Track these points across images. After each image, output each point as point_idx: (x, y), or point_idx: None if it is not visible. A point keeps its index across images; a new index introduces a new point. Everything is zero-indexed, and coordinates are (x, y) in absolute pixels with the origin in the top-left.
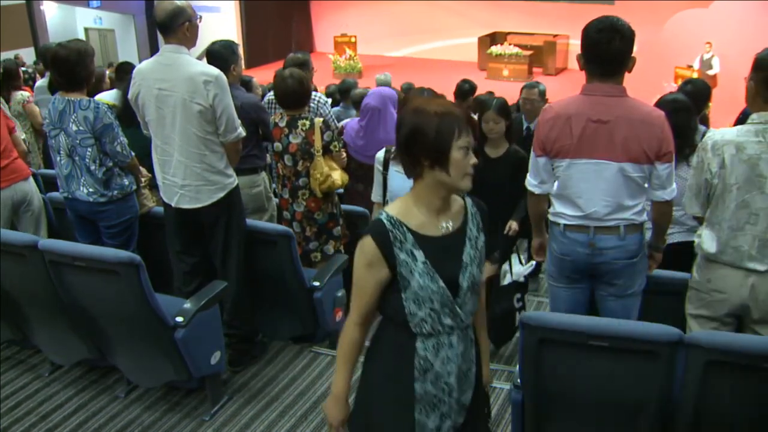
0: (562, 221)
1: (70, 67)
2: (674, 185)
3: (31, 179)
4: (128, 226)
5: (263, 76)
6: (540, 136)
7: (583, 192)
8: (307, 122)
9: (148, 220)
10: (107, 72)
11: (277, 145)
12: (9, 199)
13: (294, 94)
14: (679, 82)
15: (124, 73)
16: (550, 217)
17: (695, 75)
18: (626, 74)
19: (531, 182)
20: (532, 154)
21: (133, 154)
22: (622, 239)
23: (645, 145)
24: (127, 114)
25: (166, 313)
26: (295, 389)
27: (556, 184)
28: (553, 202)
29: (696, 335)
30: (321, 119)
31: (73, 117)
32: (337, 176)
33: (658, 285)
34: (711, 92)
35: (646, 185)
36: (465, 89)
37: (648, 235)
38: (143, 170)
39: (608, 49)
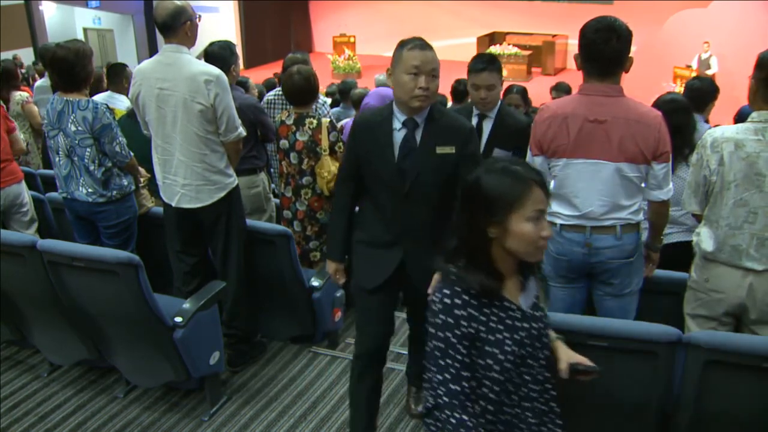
0: (559, 221)
1: (69, 68)
2: (671, 185)
3: (24, 182)
4: (127, 227)
5: (262, 76)
6: (536, 135)
7: (579, 192)
8: (314, 121)
9: (148, 220)
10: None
11: (284, 143)
12: (4, 200)
13: (301, 91)
14: (678, 81)
15: (115, 75)
16: (547, 217)
17: (694, 75)
18: (624, 74)
19: None
20: (528, 153)
21: (132, 154)
22: (618, 239)
23: (642, 145)
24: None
25: (165, 314)
26: (294, 389)
27: (552, 183)
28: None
29: (695, 335)
30: (328, 119)
31: (72, 117)
32: None
33: (657, 285)
34: (717, 91)
35: (642, 185)
36: (460, 90)
37: (645, 234)
38: (142, 170)
39: (605, 49)
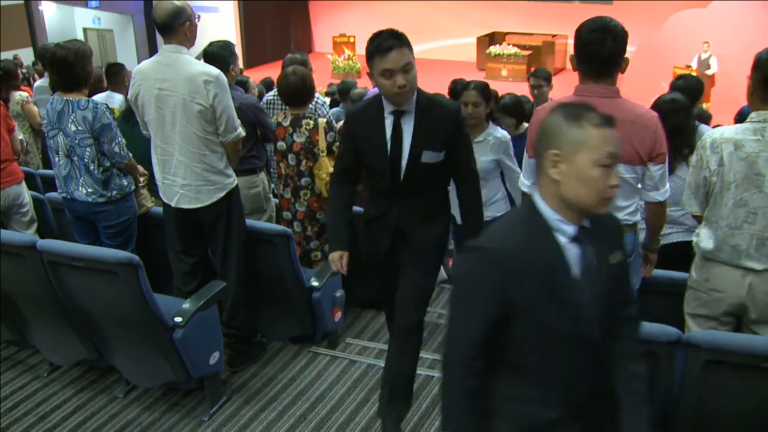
0: None
1: (69, 68)
2: (667, 186)
3: (24, 182)
4: (127, 227)
5: (261, 76)
6: (532, 137)
7: None
8: (311, 122)
9: (147, 220)
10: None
11: (281, 144)
12: (4, 200)
13: (296, 91)
14: None
15: (114, 74)
16: None
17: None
18: (624, 75)
19: (524, 183)
20: (525, 155)
21: (130, 154)
22: None
23: (638, 146)
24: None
25: (165, 314)
26: (294, 389)
27: None
28: None
29: (695, 335)
30: (324, 120)
31: (72, 117)
32: None
33: (657, 285)
34: (704, 88)
35: (639, 186)
36: (458, 90)
37: (642, 235)
38: (141, 169)
39: (601, 50)
